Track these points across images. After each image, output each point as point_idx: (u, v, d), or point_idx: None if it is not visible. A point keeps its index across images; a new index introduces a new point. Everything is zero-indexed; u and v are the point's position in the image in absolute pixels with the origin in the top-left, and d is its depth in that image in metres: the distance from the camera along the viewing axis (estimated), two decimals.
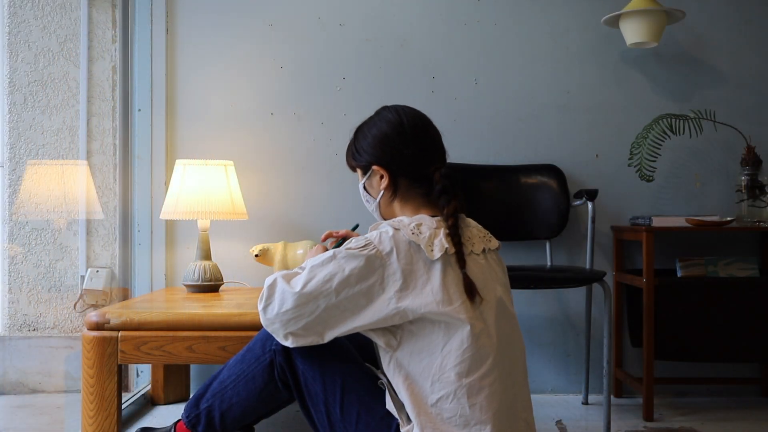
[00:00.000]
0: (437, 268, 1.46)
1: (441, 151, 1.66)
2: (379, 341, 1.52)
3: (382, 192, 1.63)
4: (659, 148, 2.65)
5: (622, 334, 2.83)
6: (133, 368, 2.82)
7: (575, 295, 2.83)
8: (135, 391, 2.73)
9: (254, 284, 2.80)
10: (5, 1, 2.83)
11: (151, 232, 2.82)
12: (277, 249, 2.55)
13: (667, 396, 2.82)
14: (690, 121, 2.67)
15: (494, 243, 1.62)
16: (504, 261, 1.68)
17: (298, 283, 1.49)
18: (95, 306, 2.80)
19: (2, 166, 2.81)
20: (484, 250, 1.57)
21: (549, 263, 2.73)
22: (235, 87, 2.85)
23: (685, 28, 2.86)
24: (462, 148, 2.83)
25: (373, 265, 1.46)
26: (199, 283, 2.51)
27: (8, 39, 2.83)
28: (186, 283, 2.53)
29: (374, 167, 1.62)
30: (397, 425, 1.51)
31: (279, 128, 2.85)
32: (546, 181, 2.74)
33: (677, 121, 2.67)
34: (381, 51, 2.87)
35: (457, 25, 2.87)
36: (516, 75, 2.87)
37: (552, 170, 2.76)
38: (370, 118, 1.68)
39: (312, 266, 1.50)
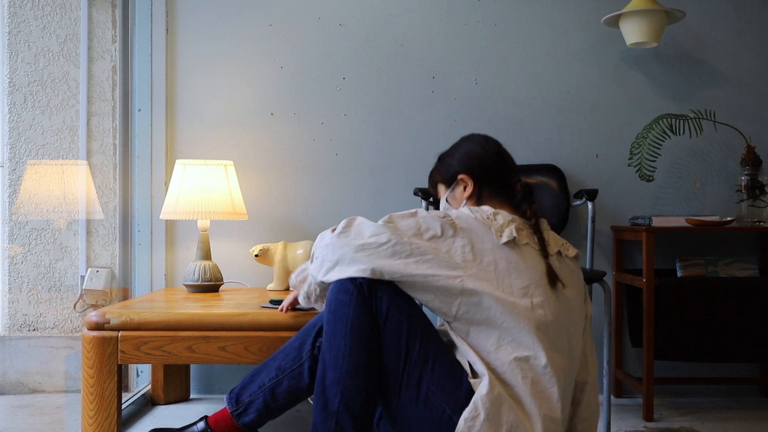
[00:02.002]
0: (505, 253, 1.56)
1: (517, 169, 1.80)
2: (438, 311, 1.59)
3: (465, 202, 1.74)
4: (659, 148, 2.65)
5: (622, 334, 2.83)
6: (133, 368, 2.82)
7: None
8: (135, 391, 2.73)
9: (254, 284, 2.80)
10: (5, 1, 2.83)
11: (151, 232, 2.82)
12: (277, 249, 2.55)
13: (667, 396, 2.82)
14: (690, 121, 2.67)
15: (572, 251, 1.71)
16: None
17: (379, 221, 1.61)
18: (95, 306, 2.80)
19: (2, 166, 2.81)
20: (559, 252, 1.67)
21: None
22: (235, 87, 2.85)
23: (685, 28, 2.86)
24: None
25: (447, 232, 1.57)
26: (199, 283, 2.51)
27: (8, 39, 2.83)
28: (186, 283, 2.53)
29: (460, 176, 1.75)
30: (467, 376, 1.55)
31: (279, 128, 2.85)
32: (546, 181, 2.74)
33: (677, 121, 2.67)
34: (381, 51, 2.87)
35: (457, 25, 2.87)
36: (516, 75, 2.87)
37: (552, 170, 2.76)
38: (456, 143, 1.83)
39: (392, 215, 1.62)
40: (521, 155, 2.85)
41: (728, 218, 2.59)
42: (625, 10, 2.65)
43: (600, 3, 2.86)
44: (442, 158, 1.83)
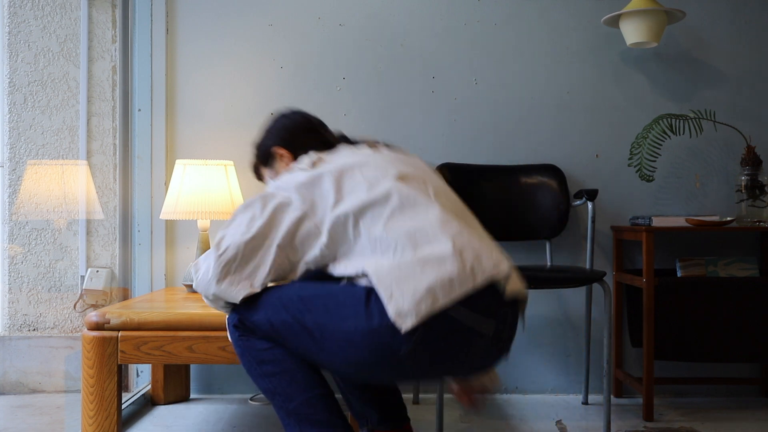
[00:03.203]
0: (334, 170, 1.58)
1: (326, 126, 1.83)
2: (328, 257, 1.57)
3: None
4: (659, 148, 2.65)
5: (622, 334, 2.83)
6: (133, 368, 2.82)
7: (575, 295, 2.83)
8: (135, 391, 2.73)
9: None
10: (5, 1, 2.83)
11: (151, 232, 2.82)
12: None
13: (667, 396, 2.82)
14: (690, 121, 2.68)
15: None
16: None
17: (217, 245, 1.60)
18: (95, 306, 2.80)
19: (2, 166, 2.82)
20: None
21: (549, 263, 2.73)
22: (235, 87, 2.85)
23: (685, 28, 2.86)
24: (462, 148, 2.83)
25: (267, 204, 1.59)
26: None
27: (8, 39, 2.83)
28: (186, 283, 2.53)
29: (273, 150, 1.79)
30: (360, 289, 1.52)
31: None
32: (546, 181, 2.74)
33: (677, 121, 2.67)
34: (381, 51, 2.87)
35: (457, 25, 2.87)
36: (516, 75, 2.87)
37: (552, 170, 2.76)
38: (262, 128, 1.88)
39: (221, 231, 1.62)
40: (521, 155, 2.85)
41: (728, 218, 2.58)
42: (625, 10, 2.65)
43: (600, 3, 2.86)
44: (255, 145, 1.86)
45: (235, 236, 1.56)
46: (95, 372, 1.98)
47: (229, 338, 1.65)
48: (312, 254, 1.56)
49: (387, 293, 1.42)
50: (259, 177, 1.88)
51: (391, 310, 1.41)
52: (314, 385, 1.57)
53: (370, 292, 1.46)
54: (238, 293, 1.56)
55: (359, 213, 1.51)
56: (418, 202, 1.53)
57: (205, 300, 1.64)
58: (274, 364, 1.58)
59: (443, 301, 1.41)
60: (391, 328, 1.41)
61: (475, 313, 1.45)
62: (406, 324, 1.40)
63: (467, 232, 1.52)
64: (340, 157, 1.62)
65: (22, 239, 2.83)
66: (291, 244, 1.55)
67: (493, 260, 1.49)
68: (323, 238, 1.53)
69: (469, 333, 1.46)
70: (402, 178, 1.56)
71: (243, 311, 1.59)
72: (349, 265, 1.52)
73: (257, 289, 1.56)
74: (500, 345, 1.54)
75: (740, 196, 2.71)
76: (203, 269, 1.58)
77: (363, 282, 1.50)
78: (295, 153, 1.76)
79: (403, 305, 1.40)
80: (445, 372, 1.55)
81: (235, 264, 1.55)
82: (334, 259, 1.56)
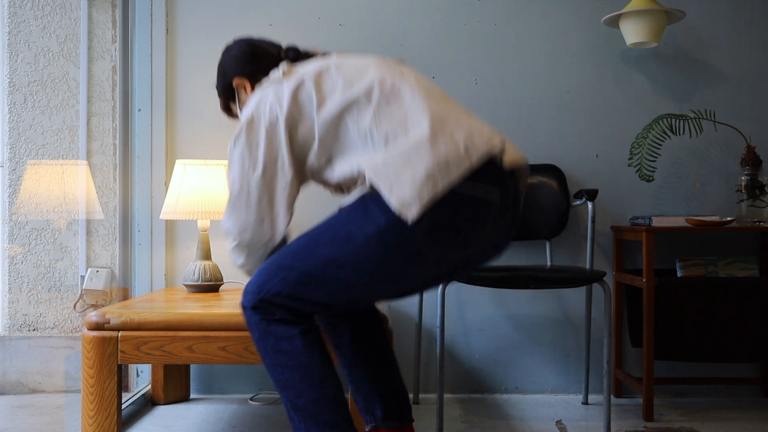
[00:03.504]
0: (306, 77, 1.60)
1: (276, 43, 1.83)
2: (318, 162, 1.61)
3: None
4: (659, 148, 2.65)
5: (622, 334, 2.83)
6: (133, 368, 2.82)
7: (575, 295, 2.83)
8: (135, 391, 2.73)
9: None
10: (5, 1, 2.83)
11: (151, 232, 2.82)
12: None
13: (667, 396, 2.82)
14: (690, 121, 2.68)
15: None
16: None
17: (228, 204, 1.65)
18: (95, 306, 2.80)
19: (2, 166, 2.82)
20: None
21: (549, 263, 2.73)
22: None
23: (685, 28, 2.86)
24: None
25: (254, 133, 1.62)
26: (199, 283, 2.51)
27: (8, 39, 2.83)
28: (186, 283, 2.53)
29: (233, 83, 1.79)
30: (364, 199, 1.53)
31: None
32: (546, 181, 2.74)
33: (677, 121, 2.67)
34: (381, 51, 2.87)
35: (457, 25, 2.87)
36: (516, 75, 2.87)
37: (552, 170, 2.76)
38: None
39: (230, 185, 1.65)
40: None
41: (728, 218, 2.59)
42: (625, 10, 2.65)
43: (600, 3, 2.86)
44: (216, 87, 1.87)
45: (246, 175, 1.59)
46: (95, 372, 1.98)
47: (246, 323, 1.62)
48: (310, 161, 1.60)
49: (387, 186, 1.43)
50: (234, 115, 1.90)
51: (394, 202, 1.42)
52: (325, 384, 1.55)
53: (362, 199, 1.49)
54: (282, 224, 1.62)
55: (345, 110, 1.54)
56: (401, 91, 1.55)
57: (240, 256, 1.67)
58: (291, 355, 1.55)
59: (443, 183, 1.43)
60: (399, 220, 1.43)
61: (478, 184, 1.47)
62: (411, 213, 1.42)
63: (454, 112, 1.55)
64: (312, 63, 1.64)
65: (22, 239, 2.83)
66: (295, 155, 1.59)
67: (485, 137, 1.52)
68: (315, 143, 1.57)
69: (477, 204, 1.48)
70: (379, 70, 1.58)
71: (256, 287, 1.58)
72: (344, 163, 1.55)
73: (292, 212, 1.62)
74: (507, 217, 1.56)
75: (740, 196, 2.71)
76: (238, 221, 1.61)
77: (348, 199, 1.54)
78: (254, 79, 1.77)
79: (405, 194, 1.42)
80: (466, 254, 1.55)
81: (265, 201, 1.59)
82: (330, 161, 1.59)
